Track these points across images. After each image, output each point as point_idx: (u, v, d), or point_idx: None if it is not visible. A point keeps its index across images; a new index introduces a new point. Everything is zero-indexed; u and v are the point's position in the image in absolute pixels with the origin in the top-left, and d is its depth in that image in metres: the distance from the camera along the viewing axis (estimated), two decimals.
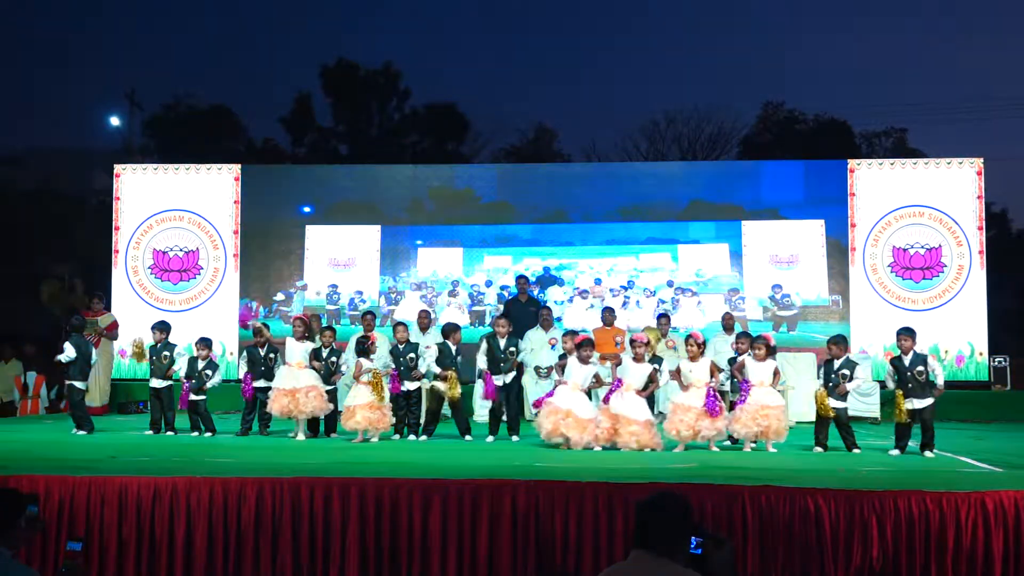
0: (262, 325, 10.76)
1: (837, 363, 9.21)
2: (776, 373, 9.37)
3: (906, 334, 9.08)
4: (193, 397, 10.22)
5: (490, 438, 9.99)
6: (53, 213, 21.38)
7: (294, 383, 9.89)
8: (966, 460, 8.50)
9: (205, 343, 10.48)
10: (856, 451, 9.07)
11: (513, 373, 10.22)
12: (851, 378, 9.15)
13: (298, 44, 52.09)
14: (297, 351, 10.13)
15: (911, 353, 8.96)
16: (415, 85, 29.60)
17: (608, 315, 12.35)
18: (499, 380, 10.06)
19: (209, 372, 10.28)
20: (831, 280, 14.23)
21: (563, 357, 9.92)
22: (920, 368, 8.85)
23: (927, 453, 8.82)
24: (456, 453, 8.88)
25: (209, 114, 28.32)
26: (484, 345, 10.32)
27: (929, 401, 8.86)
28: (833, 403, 9.10)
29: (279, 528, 6.65)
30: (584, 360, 9.30)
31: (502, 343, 10.13)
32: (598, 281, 14.48)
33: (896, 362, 9.04)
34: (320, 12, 53.06)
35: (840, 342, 9.42)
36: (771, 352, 9.33)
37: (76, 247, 19.66)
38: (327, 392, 10.17)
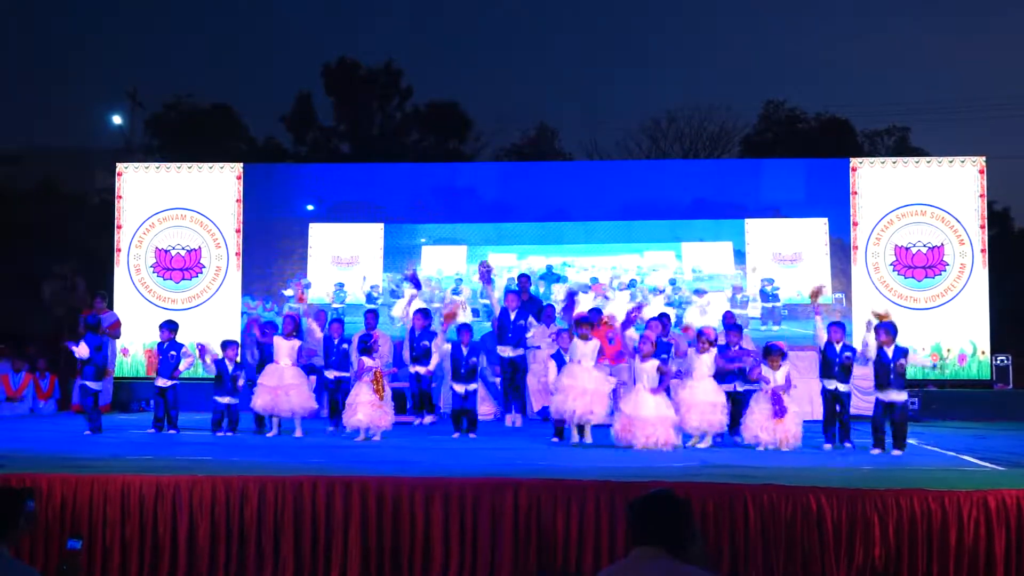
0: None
1: (838, 346, 9.42)
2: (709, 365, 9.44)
3: (884, 329, 9.06)
4: (229, 400, 10.27)
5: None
6: (54, 212, 21.28)
7: (278, 380, 10.02)
8: (968, 459, 8.50)
9: (232, 346, 10.53)
10: (848, 445, 9.26)
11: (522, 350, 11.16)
12: (853, 359, 9.34)
13: (299, 43, 51.99)
14: (284, 349, 10.21)
15: (892, 347, 8.99)
16: (417, 84, 29.44)
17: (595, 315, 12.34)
18: (504, 351, 11.09)
19: (237, 375, 10.32)
20: (834, 279, 14.18)
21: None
22: (901, 361, 8.90)
23: (896, 451, 8.91)
24: (458, 451, 8.88)
25: (211, 113, 28.23)
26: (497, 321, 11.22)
27: (904, 396, 9.03)
28: (836, 385, 9.36)
29: (281, 526, 6.66)
30: (584, 337, 9.40)
31: (512, 315, 11.05)
32: (594, 280, 14.42)
33: (878, 359, 9.05)
34: (321, 10, 53.01)
35: (841, 328, 9.62)
36: (709, 344, 9.44)
37: (78, 246, 19.58)
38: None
